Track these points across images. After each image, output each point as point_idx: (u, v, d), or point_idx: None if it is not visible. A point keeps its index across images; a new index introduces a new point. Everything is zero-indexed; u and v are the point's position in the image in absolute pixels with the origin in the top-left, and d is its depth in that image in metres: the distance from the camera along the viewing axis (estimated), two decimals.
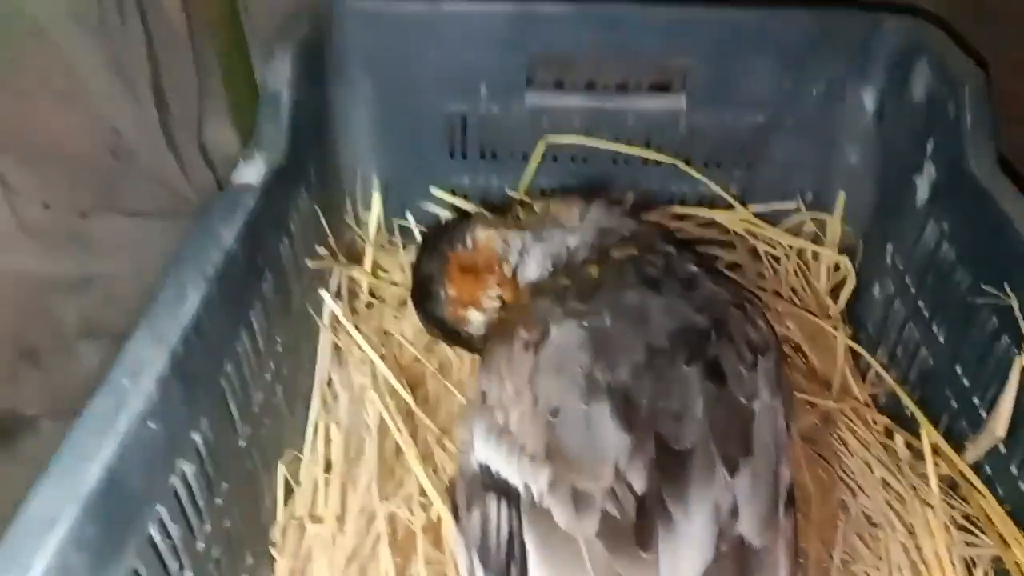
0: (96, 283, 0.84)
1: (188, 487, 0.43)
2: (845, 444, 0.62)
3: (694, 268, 0.57)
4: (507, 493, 0.49)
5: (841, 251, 0.73)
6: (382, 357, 0.66)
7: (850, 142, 0.72)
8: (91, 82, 0.76)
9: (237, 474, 0.50)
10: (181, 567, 0.42)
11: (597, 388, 0.49)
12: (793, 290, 0.73)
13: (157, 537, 0.40)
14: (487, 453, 0.52)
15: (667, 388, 0.49)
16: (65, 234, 0.82)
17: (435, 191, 0.77)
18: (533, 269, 0.64)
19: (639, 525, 0.44)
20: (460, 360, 0.72)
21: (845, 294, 0.71)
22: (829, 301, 0.72)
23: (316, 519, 0.58)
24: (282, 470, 0.58)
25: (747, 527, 0.45)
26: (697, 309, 0.53)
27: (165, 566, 0.41)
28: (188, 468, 0.43)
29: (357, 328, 0.66)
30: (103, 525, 0.35)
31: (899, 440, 0.62)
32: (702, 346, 0.51)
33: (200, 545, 0.45)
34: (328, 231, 0.67)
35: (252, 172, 0.53)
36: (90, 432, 0.36)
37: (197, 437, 0.44)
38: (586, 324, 0.51)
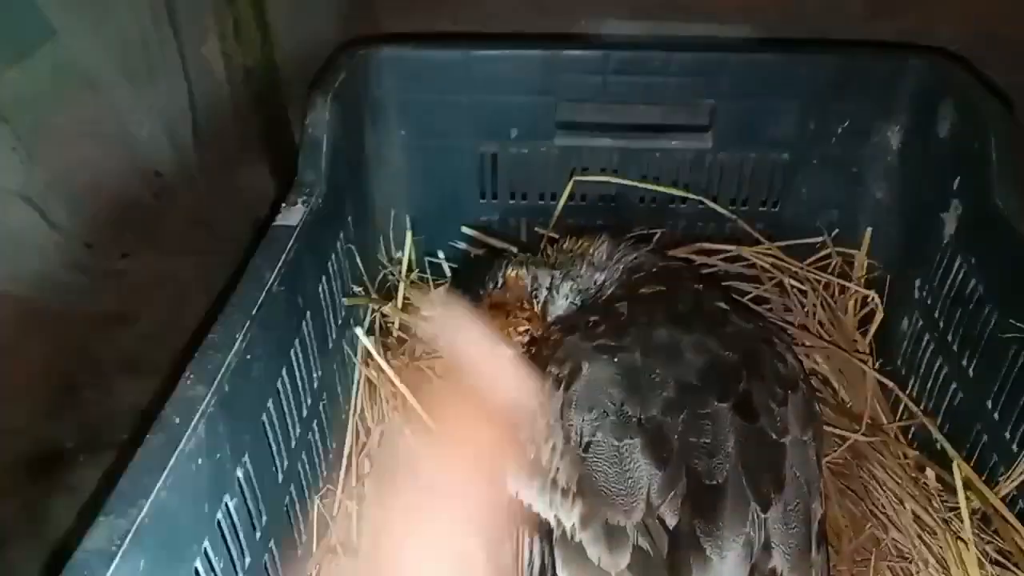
0: (134, 320, 0.87)
1: (231, 520, 0.44)
2: (875, 478, 0.62)
3: (723, 305, 0.58)
4: (539, 527, 0.50)
5: (868, 285, 0.74)
6: (413, 391, 0.67)
7: (875, 179, 0.73)
8: (135, 128, 0.80)
9: (275, 507, 0.51)
10: None
11: (629, 423, 0.49)
12: (820, 324, 0.73)
13: (201, 569, 0.41)
14: (519, 487, 0.53)
15: (698, 424, 0.49)
16: (106, 272, 0.85)
17: (466, 230, 0.79)
18: (562, 305, 0.66)
19: (672, 559, 0.45)
20: None
21: (873, 328, 0.71)
22: (857, 335, 0.72)
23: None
24: (317, 504, 0.59)
25: (780, 562, 0.45)
26: (726, 346, 0.54)
27: None
28: (231, 502, 0.44)
29: (389, 363, 0.68)
30: (154, 558, 0.36)
31: (930, 474, 0.61)
32: (732, 383, 0.52)
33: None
34: (363, 269, 0.69)
35: (294, 215, 0.55)
36: (143, 469, 0.38)
37: (240, 472, 0.45)
38: (616, 360, 0.52)
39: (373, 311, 0.72)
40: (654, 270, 0.63)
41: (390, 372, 0.67)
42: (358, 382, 0.68)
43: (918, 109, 0.70)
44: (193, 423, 0.40)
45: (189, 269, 0.87)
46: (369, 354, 0.68)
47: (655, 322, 0.55)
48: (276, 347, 0.50)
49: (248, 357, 0.45)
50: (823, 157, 0.73)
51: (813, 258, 0.76)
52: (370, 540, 0.60)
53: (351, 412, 0.66)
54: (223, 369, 0.43)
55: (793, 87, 0.70)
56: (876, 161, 0.72)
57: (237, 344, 0.44)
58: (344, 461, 0.64)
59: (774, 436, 0.50)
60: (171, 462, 0.38)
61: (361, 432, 0.67)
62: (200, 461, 0.40)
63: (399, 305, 0.75)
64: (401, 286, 0.76)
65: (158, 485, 0.37)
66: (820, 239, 0.76)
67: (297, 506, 0.55)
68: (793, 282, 0.75)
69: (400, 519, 0.62)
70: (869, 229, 0.75)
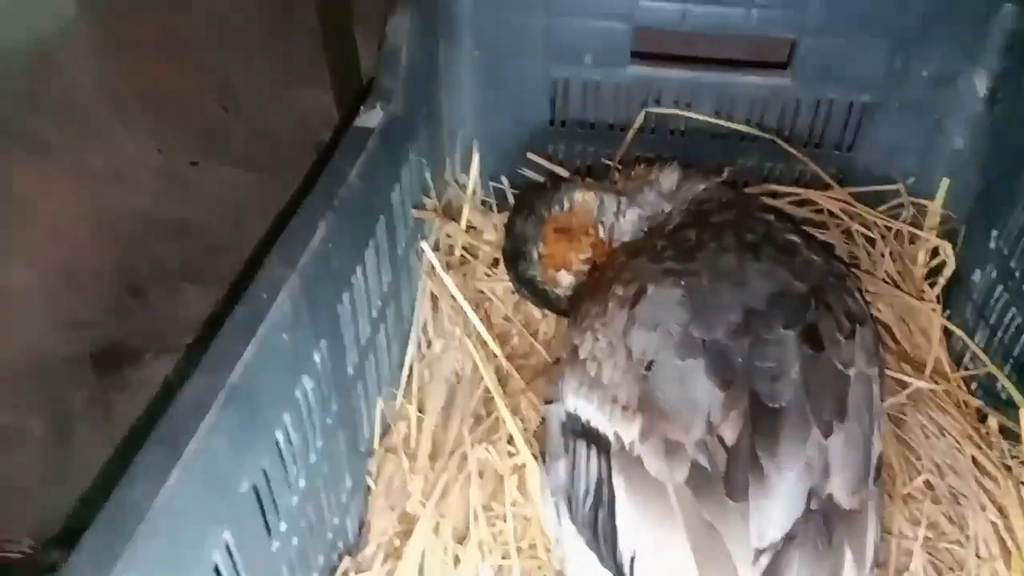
0: (197, 229, 0.89)
1: (308, 401, 0.46)
2: (935, 423, 0.62)
3: (794, 237, 0.57)
4: (597, 442, 0.51)
5: (940, 236, 0.72)
6: (474, 310, 0.68)
7: (957, 126, 0.71)
8: (208, 41, 0.81)
9: (344, 399, 0.53)
10: (297, 474, 0.45)
11: (693, 345, 0.50)
12: (887, 274, 0.72)
13: (281, 441, 0.43)
14: (577, 403, 0.54)
15: (763, 349, 0.49)
16: (174, 178, 0.87)
17: (532, 156, 0.79)
18: (627, 232, 0.66)
19: (729, 476, 0.45)
20: (546, 321, 0.74)
21: (944, 279, 0.70)
22: (925, 286, 0.71)
23: (410, 455, 0.61)
24: (380, 405, 0.61)
25: (838, 488, 0.45)
26: (796, 275, 0.53)
27: (286, 469, 0.44)
28: (308, 384, 0.46)
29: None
30: (241, 417, 0.38)
31: (992, 424, 0.61)
32: (800, 311, 0.51)
33: (312, 457, 0.48)
34: (431, 185, 0.69)
35: (372, 118, 0.56)
36: (232, 337, 0.39)
37: (317, 357, 0.47)
38: (683, 283, 0.52)
39: (438, 229, 0.73)
40: (724, 200, 0.63)
41: (453, 288, 0.68)
42: (421, 295, 0.69)
43: (1008, 55, 0.67)
44: (278, 299, 0.41)
45: (252, 183, 0.89)
46: (433, 269, 0.69)
47: (724, 248, 0.55)
48: (352, 242, 0.51)
49: (329, 246, 0.46)
50: (904, 101, 0.71)
51: (884, 206, 0.75)
52: (427, 446, 0.62)
53: (414, 324, 0.68)
54: (305, 253, 0.44)
55: (881, 24, 0.68)
56: (960, 108, 0.70)
57: (318, 232, 0.46)
58: (405, 370, 0.66)
59: (840, 367, 0.49)
60: (258, 332, 0.39)
61: (422, 344, 0.68)
62: (284, 336, 0.42)
63: (463, 227, 0.76)
64: (465, 207, 0.76)
65: (247, 352, 0.38)
66: (893, 187, 0.74)
67: (363, 403, 0.57)
68: (862, 229, 0.74)
69: (458, 428, 0.63)
70: (947, 179, 0.73)
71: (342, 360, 0.51)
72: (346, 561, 0.55)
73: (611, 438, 0.50)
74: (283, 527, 0.44)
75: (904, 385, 0.64)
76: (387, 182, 0.58)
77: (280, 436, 0.43)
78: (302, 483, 0.46)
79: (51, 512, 0.70)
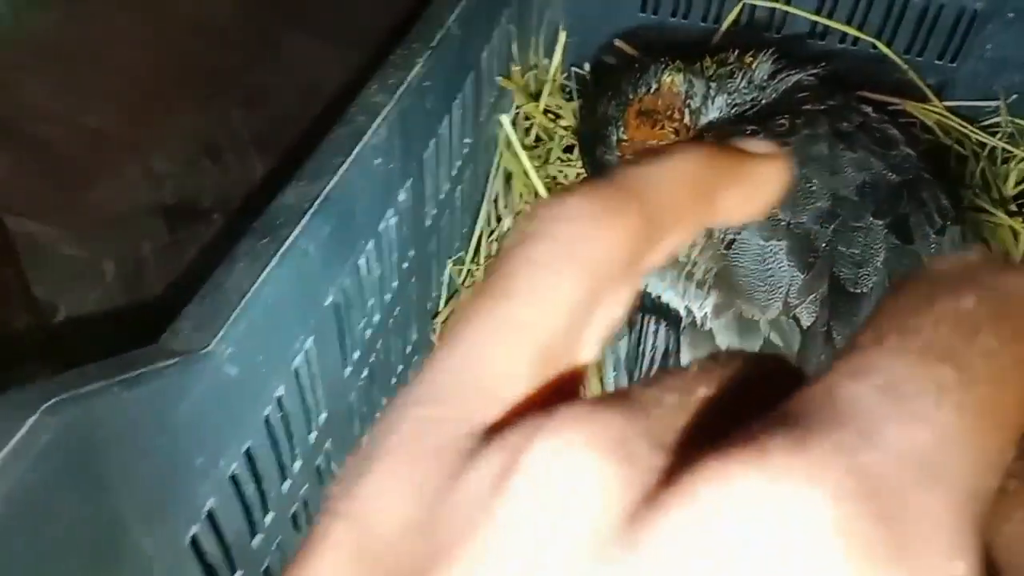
0: (275, 95, 0.89)
1: (389, 237, 0.47)
2: None
3: (891, 130, 0.55)
4: (667, 316, 0.51)
5: None
6: (547, 190, 0.68)
7: None
8: None
9: (420, 248, 0.53)
10: (373, 306, 0.47)
11: (777, 227, 0.49)
12: (975, 192, 0.70)
13: (363, 267, 0.44)
14: (648, 280, 0.53)
15: (850, 236, 0.49)
16: (258, 40, 0.87)
17: (619, 43, 0.77)
18: (715, 117, 0.64)
19: (803, 357, 0.45)
20: None
21: None
22: (1014, 206, 0.68)
23: None
24: (448, 269, 0.62)
25: None
26: (890, 167, 0.52)
27: (364, 298, 0.45)
28: (392, 219, 0.46)
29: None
30: (332, 229, 0.38)
31: None
32: (891, 203, 0.50)
33: (388, 296, 0.49)
34: (516, 58, 0.68)
35: None
36: (331, 150, 0.40)
37: (402, 195, 0.47)
38: None
39: (517, 107, 0.72)
40: (819, 92, 0.61)
41: (527, 163, 0.67)
42: (496, 169, 0.69)
43: None
44: (375, 124, 0.41)
45: (334, 54, 0.88)
46: (509, 144, 0.68)
47: (816, 136, 0.54)
48: (445, 88, 0.51)
49: (425, 84, 0.46)
50: (1020, 11, 0.67)
51: (981, 124, 0.72)
52: None
53: (486, 196, 0.68)
54: (403, 85, 0.44)
55: None
56: None
57: (416, 67, 0.45)
58: (475, 240, 0.66)
59: (927, 261, 0.48)
60: (355, 150, 0.40)
61: (492, 218, 0.69)
62: (378, 161, 0.42)
63: (541, 108, 0.75)
64: (546, 88, 0.75)
65: (344, 166, 0.39)
66: (995, 103, 0.71)
67: (435, 261, 0.58)
68: (954, 146, 0.71)
69: None
70: None
71: (422, 207, 0.52)
72: None
73: (682, 312, 0.50)
74: (356, 355, 0.46)
75: None
76: (480, 38, 0.57)
77: (363, 263, 0.43)
78: (376, 317, 0.48)
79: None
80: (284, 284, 0.35)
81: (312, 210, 0.37)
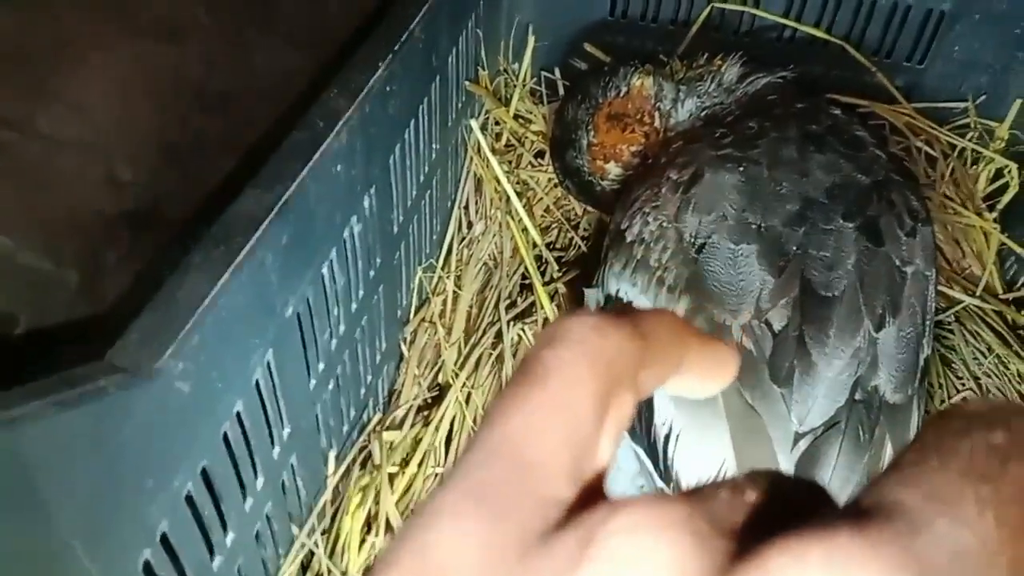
0: (241, 100, 0.88)
1: (354, 244, 0.45)
2: (981, 339, 0.60)
3: (860, 132, 0.55)
4: None
5: (1005, 159, 0.70)
6: (517, 195, 0.67)
7: None
8: None
9: (388, 256, 0.52)
10: (339, 316, 0.45)
11: (747, 230, 0.48)
12: (945, 194, 0.70)
13: (326, 276, 0.42)
14: (620, 285, 0.53)
15: (820, 239, 0.48)
16: (223, 43, 0.85)
17: (589, 47, 0.76)
18: (684, 122, 0.64)
19: (774, 361, 0.45)
20: (587, 218, 0.73)
21: (1006, 200, 0.67)
22: (984, 206, 0.68)
23: (446, 326, 0.61)
24: (418, 276, 0.61)
25: (885, 382, 0.44)
26: (860, 169, 0.51)
27: (328, 307, 0.44)
28: (356, 227, 0.45)
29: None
30: (291, 237, 0.37)
31: None
32: (861, 205, 0.50)
33: (354, 306, 0.47)
34: (485, 63, 0.67)
35: None
36: (288, 156, 0.38)
37: (366, 202, 0.46)
38: (742, 169, 0.51)
39: (486, 112, 0.72)
40: (788, 94, 0.61)
41: (498, 168, 0.67)
42: (466, 174, 0.68)
43: None
44: (336, 129, 0.40)
45: (300, 59, 0.87)
46: (479, 149, 0.68)
47: (786, 139, 0.53)
48: (409, 92, 0.50)
49: (388, 88, 0.45)
50: (987, 12, 0.67)
51: (950, 126, 0.72)
52: (461, 321, 0.62)
53: (456, 202, 0.67)
54: (365, 89, 0.43)
55: None
56: None
57: (379, 71, 0.44)
58: (446, 246, 0.65)
59: (897, 263, 0.48)
60: (314, 157, 0.39)
61: (463, 223, 0.68)
62: (338, 168, 0.41)
63: (511, 112, 0.74)
64: (516, 93, 0.74)
65: (301, 173, 0.38)
66: (962, 104, 0.71)
67: (404, 268, 0.57)
68: (924, 147, 0.71)
69: (494, 305, 0.63)
70: (1020, 100, 0.70)
71: (389, 214, 0.51)
72: (376, 418, 0.55)
73: None
74: (321, 366, 0.45)
75: (953, 302, 0.62)
76: (445, 44, 0.56)
77: (326, 271, 0.42)
78: (342, 328, 0.46)
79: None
80: (240, 295, 0.34)
81: (269, 218, 0.35)
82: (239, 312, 0.34)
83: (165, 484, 0.30)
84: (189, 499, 0.33)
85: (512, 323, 0.60)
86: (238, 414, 0.36)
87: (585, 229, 0.73)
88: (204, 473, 0.33)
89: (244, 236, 0.34)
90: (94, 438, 0.25)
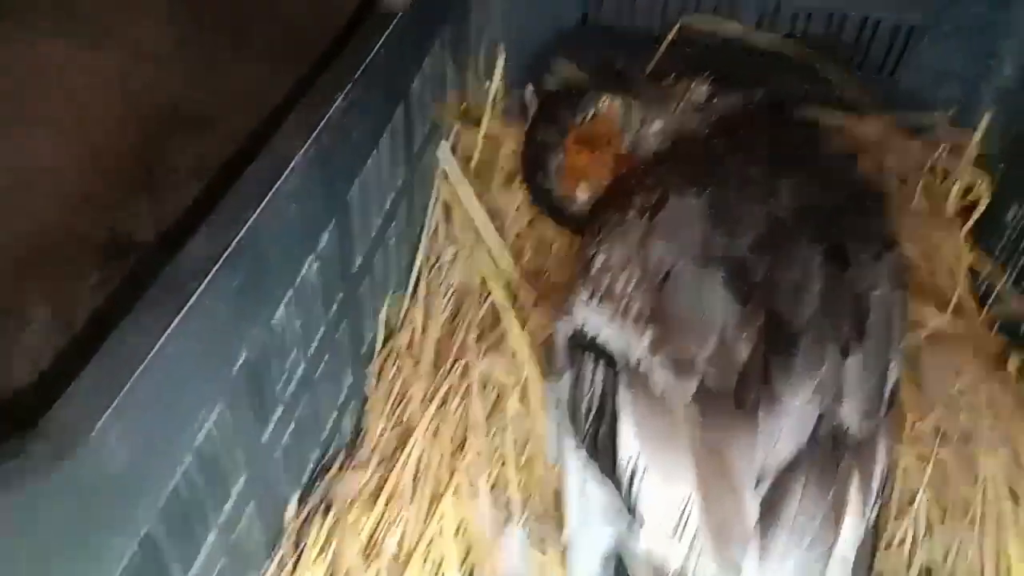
0: (216, 123, 0.86)
1: (312, 284, 0.44)
2: (953, 363, 0.60)
3: (829, 152, 0.54)
4: (604, 355, 0.49)
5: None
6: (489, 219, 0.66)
7: (1012, 55, 0.67)
8: None
9: (350, 291, 0.51)
10: (296, 359, 0.44)
11: (712, 257, 0.47)
12: (915, 210, 0.69)
13: (284, 315, 0.41)
14: (587, 316, 0.51)
15: (786, 265, 0.47)
16: (198, 65, 0.83)
17: (561, 61, 0.75)
18: (652, 144, 0.63)
19: (739, 394, 0.43)
20: (561, 239, 0.71)
21: (977, 214, 0.67)
22: (957, 221, 0.68)
23: (413, 360, 0.59)
24: (385, 308, 0.59)
25: (849, 414, 0.43)
26: (828, 193, 0.51)
27: (284, 351, 0.42)
28: (314, 264, 0.44)
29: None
30: (243, 283, 0.36)
31: (1012, 364, 0.59)
32: (828, 228, 0.49)
33: (313, 347, 0.46)
34: (453, 83, 0.66)
35: (399, 2, 0.52)
36: (240, 198, 0.37)
37: (324, 237, 0.45)
38: (708, 192, 0.50)
39: (456, 134, 0.70)
40: (756, 116, 0.60)
41: (468, 194, 0.65)
42: (435, 200, 0.66)
43: None
44: (292, 165, 0.39)
45: (275, 77, 0.85)
46: (447, 173, 0.66)
47: (752, 161, 0.52)
48: (371, 122, 0.49)
49: (346, 120, 0.44)
50: (958, 22, 0.67)
51: (921, 137, 0.72)
52: (430, 353, 0.60)
53: (425, 229, 0.65)
54: (322, 122, 0.41)
55: None
56: (1017, 34, 0.66)
57: (337, 102, 0.43)
58: (414, 275, 0.64)
59: (864, 288, 0.47)
60: (267, 196, 0.37)
61: (432, 251, 0.66)
62: (294, 206, 0.39)
63: (482, 134, 0.73)
64: (486, 115, 0.73)
65: (253, 215, 0.36)
66: (935, 117, 0.71)
67: (368, 302, 0.55)
68: (896, 163, 0.71)
69: (463, 338, 0.62)
70: (990, 112, 0.69)
71: (350, 247, 0.49)
72: (340, 458, 0.53)
73: (618, 352, 0.48)
74: (277, 413, 0.43)
75: (924, 324, 0.61)
76: (409, 67, 0.55)
77: (280, 315, 0.41)
78: (300, 369, 0.45)
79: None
80: (189, 345, 0.32)
81: (218, 265, 0.34)
82: (186, 365, 0.32)
83: (98, 555, 0.29)
84: (130, 567, 0.31)
85: (481, 356, 0.59)
86: (184, 472, 0.34)
87: (559, 251, 0.72)
88: (148, 537, 0.32)
89: (192, 285, 0.32)
90: (14, 521, 0.24)
